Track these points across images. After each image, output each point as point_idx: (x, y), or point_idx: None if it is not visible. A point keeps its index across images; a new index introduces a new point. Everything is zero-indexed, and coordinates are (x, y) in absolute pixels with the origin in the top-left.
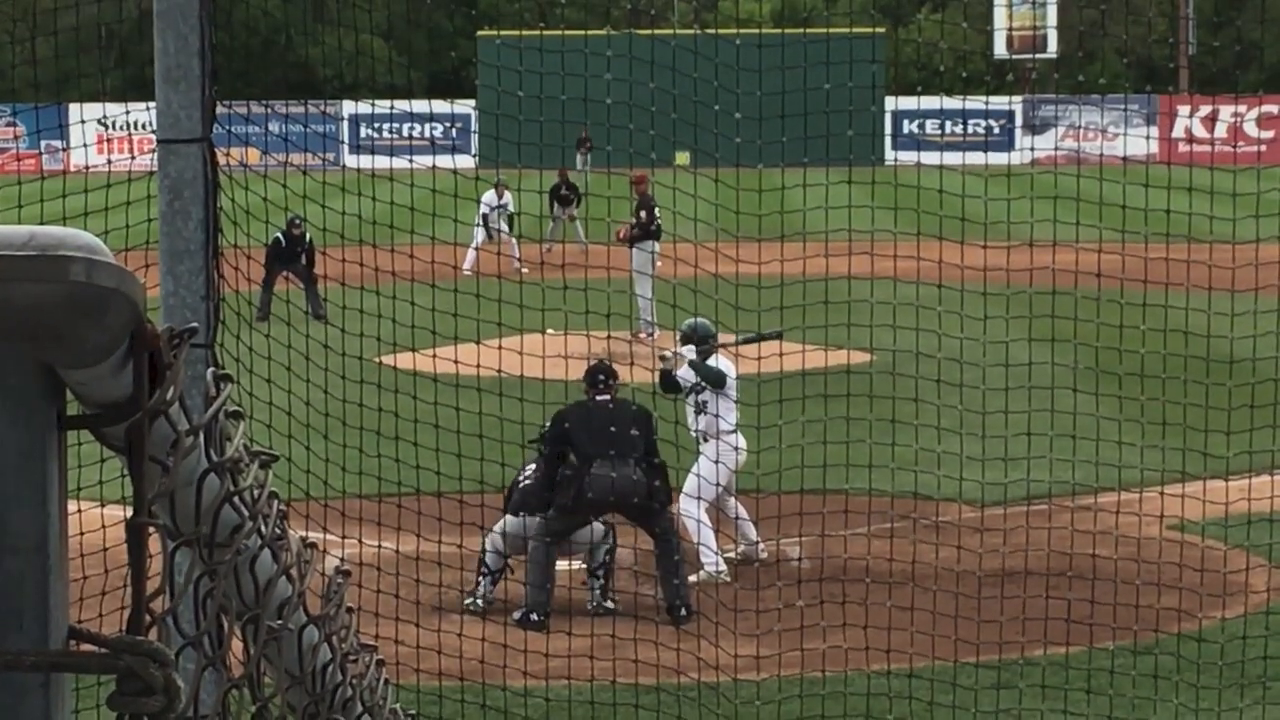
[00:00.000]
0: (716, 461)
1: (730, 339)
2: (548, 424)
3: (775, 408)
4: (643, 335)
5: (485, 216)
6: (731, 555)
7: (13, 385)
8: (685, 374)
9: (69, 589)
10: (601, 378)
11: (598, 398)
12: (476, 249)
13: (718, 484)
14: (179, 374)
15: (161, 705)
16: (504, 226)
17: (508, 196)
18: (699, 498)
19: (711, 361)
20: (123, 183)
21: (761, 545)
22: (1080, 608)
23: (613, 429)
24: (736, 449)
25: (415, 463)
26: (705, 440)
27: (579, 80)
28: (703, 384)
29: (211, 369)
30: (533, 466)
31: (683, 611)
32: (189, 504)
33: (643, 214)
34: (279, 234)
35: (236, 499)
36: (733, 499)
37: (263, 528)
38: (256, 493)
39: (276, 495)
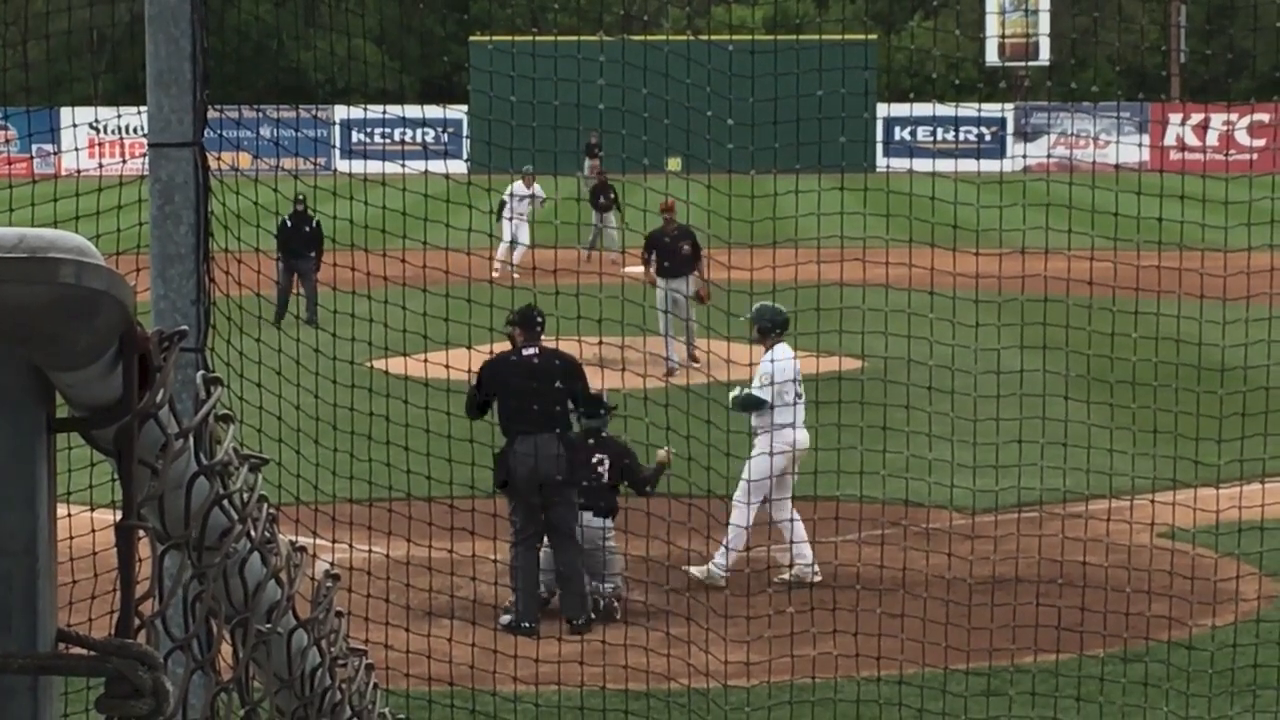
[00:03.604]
0: (767, 454)
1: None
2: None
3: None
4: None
5: (504, 203)
6: (785, 577)
7: (2, 387)
8: (760, 385)
9: (57, 591)
10: (539, 321)
11: (525, 351)
12: (510, 242)
13: (767, 477)
14: (169, 377)
15: (150, 708)
16: (525, 223)
17: (537, 186)
18: (748, 502)
19: (775, 353)
20: (114, 187)
21: (817, 567)
22: (1070, 615)
23: (536, 393)
24: (794, 445)
25: (406, 467)
26: (758, 435)
27: (571, 85)
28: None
29: (201, 372)
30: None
31: (580, 620)
32: (178, 507)
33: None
34: (285, 219)
35: (226, 502)
36: (790, 517)
37: (252, 531)
38: (246, 496)
39: (266, 499)
